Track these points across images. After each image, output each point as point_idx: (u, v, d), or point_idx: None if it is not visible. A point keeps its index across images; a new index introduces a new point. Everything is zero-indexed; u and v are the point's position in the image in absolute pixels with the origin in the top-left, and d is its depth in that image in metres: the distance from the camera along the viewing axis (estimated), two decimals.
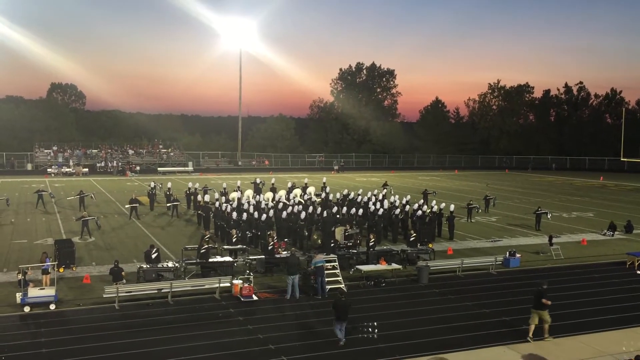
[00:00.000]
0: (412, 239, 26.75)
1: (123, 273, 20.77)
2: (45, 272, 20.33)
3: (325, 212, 30.31)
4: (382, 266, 23.18)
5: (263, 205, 31.40)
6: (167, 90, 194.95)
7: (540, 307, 16.56)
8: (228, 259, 23.36)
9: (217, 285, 20.24)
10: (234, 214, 28.56)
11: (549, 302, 16.55)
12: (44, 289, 19.20)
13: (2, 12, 70.27)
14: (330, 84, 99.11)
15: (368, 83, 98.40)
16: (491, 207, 40.95)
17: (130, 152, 74.09)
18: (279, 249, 24.13)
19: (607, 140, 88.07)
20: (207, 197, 34.51)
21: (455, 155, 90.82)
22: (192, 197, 38.43)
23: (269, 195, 36.06)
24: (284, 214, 29.24)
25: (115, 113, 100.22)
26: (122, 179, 60.79)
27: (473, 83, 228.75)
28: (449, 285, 22.29)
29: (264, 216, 28.46)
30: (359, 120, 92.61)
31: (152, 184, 40.91)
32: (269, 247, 23.83)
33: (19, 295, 18.46)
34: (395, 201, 34.30)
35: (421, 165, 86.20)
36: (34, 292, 18.56)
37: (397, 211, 31.47)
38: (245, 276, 20.88)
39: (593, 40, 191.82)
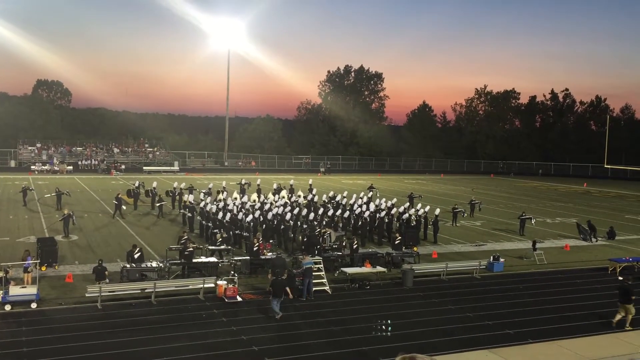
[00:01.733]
0: (397, 242, 26.83)
1: (106, 272, 20.61)
2: (27, 270, 20.12)
3: (311, 214, 30.32)
4: (367, 269, 23.20)
5: (248, 206, 31.32)
6: (155, 89, 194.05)
7: (627, 301, 18.00)
8: (213, 259, 23.26)
9: (201, 285, 20.15)
10: (220, 214, 28.46)
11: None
12: (25, 287, 18.99)
13: None
14: (318, 85, 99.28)
15: (356, 86, 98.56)
16: (476, 211, 41.17)
17: (116, 150, 73.58)
18: (264, 250, 24.08)
19: (592, 147, 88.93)
20: (191, 197, 34.32)
21: (441, 159, 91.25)
22: (177, 196, 38.20)
23: (254, 196, 35.91)
24: (270, 215, 29.17)
25: (101, 111, 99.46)
26: (107, 177, 60.35)
27: (460, 88, 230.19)
28: (433, 288, 22.38)
29: (250, 217, 28.39)
30: (347, 122, 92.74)
31: (137, 183, 40.66)
32: (254, 249, 23.75)
33: (0, 294, 18.25)
34: (380, 204, 34.37)
35: (407, 168, 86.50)
36: (15, 291, 18.36)
37: (383, 214, 31.53)
38: (230, 277, 20.81)
39: (579, 47, 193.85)
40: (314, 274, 21.26)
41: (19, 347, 15.21)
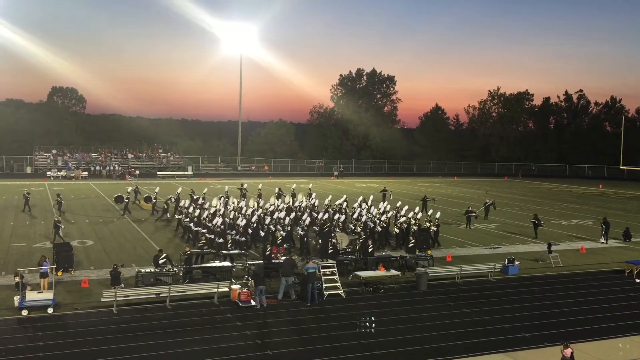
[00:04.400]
0: (410, 245, 26.74)
1: (121, 276, 20.76)
2: (43, 275, 20.30)
3: (308, 218, 30.15)
4: (380, 272, 23.16)
5: (244, 211, 31.05)
6: (168, 94, 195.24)
7: None
8: (226, 264, 23.33)
9: (216, 290, 20.21)
10: (215, 220, 28.26)
11: None
12: (42, 292, 19.15)
13: (4, 15, 70.50)
14: (331, 89, 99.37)
15: (368, 89, 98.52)
16: (491, 211, 40.92)
17: (130, 156, 74.12)
18: (278, 255, 24.11)
19: (607, 148, 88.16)
20: (186, 203, 33.94)
21: (454, 161, 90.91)
22: (176, 203, 37.82)
23: (253, 202, 35.14)
24: (267, 219, 28.99)
25: (115, 117, 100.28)
26: (122, 182, 60.79)
27: (473, 90, 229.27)
28: (447, 292, 22.27)
29: (243, 221, 28.03)
30: (359, 126, 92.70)
31: (129, 188, 41.16)
32: (267, 253, 23.79)
33: (16, 299, 18.43)
34: (380, 209, 33.88)
35: (420, 171, 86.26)
36: (31, 296, 18.52)
37: (383, 217, 31.23)
38: (244, 281, 20.86)
39: (594, 48, 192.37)
40: (327, 277, 21.27)
41: (35, 352, 15.34)
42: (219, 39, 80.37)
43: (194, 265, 22.95)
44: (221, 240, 26.15)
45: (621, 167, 68.85)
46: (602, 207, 50.06)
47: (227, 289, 20.33)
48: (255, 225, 28.65)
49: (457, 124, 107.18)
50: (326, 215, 31.25)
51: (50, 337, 16.52)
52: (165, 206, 36.16)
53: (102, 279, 21.97)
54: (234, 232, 27.38)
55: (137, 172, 67.69)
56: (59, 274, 22.26)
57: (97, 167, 68.04)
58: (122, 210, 38.10)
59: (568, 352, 13.01)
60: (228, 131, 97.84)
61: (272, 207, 32.60)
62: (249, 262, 23.56)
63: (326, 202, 36.60)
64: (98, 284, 21.32)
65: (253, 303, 19.63)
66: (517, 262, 25.68)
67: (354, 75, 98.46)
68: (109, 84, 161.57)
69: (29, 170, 66.72)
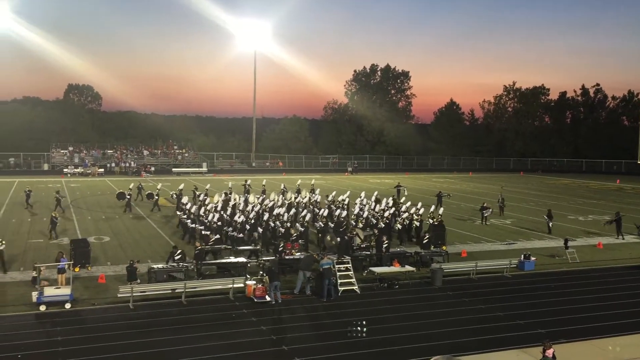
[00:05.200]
0: (425, 241, 26.65)
1: (137, 272, 20.95)
2: (61, 271, 20.51)
3: (308, 215, 30.02)
4: (395, 268, 23.12)
5: (242, 207, 30.94)
6: (182, 91, 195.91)
7: None
8: (242, 259, 23.40)
9: (231, 285, 20.31)
10: (210, 216, 28.25)
11: None
12: (59, 288, 19.37)
13: (20, 14, 71.18)
14: (345, 85, 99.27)
15: (382, 84, 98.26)
16: (507, 206, 40.62)
17: (145, 152, 74.56)
18: (292, 251, 24.16)
19: (624, 143, 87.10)
20: (185, 199, 33.89)
21: (469, 157, 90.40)
22: (178, 200, 37.92)
23: (253, 198, 34.64)
24: (266, 215, 28.90)
25: (130, 114, 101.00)
26: (138, 179, 61.18)
27: (488, 85, 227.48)
28: (462, 288, 22.18)
29: (241, 218, 27.88)
30: (373, 121, 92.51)
31: (131, 185, 41.21)
32: (280, 249, 23.83)
33: (34, 294, 18.65)
34: (383, 206, 33.34)
35: (435, 167, 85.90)
36: (49, 291, 18.74)
37: (386, 213, 31.05)
38: (259, 277, 20.93)
39: (611, 42, 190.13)
40: (342, 273, 21.28)
41: (54, 347, 15.53)
42: (233, 35, 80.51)
43: (209, 261, 23.07)
44: (240, 235, 26.33)
45: (639, 162, 67.96)
46: (620, 202, 49.52)
47: (242, 285, 20.42)
48: (253, 221, 28.45)
49: (472, 119, 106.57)
50: (326, 212, 31.10)
51: (68, 332, 16.71)
52: (156, 197, 36.81)
53: (118, 275, 22.16)
54: (230, 228, 27.38)
55: (153, 168, 68.10)
56: (76, 269, 22.49)
57: (112, 164, 68.52)
58: (123, 207, 38.00)
59: (550, 352, 12.88)
60: (242, 127, 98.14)
61: (272, 204, 32.37)
62: (264, 258, 23.66)
63: (330, 198, 36.26)
64: (114, 280, 21.51)
65: (268, 299, 19.69)
66: (533, 258, 25.50)
67: (368, 70, 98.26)
68: (124, 81, 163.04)
69: (46, 167, 67.37)
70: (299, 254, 24.25)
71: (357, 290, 21.15)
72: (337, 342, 16.38)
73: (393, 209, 32.32)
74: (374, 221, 29.92)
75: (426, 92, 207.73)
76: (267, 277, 20.25)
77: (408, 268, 23.36)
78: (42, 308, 18.34)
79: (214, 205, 31.29)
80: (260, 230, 27.83)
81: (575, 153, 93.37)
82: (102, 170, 65.76)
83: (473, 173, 79.76)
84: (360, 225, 29.11)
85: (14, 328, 17.27)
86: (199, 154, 77.60)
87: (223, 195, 35.75)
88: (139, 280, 20.67)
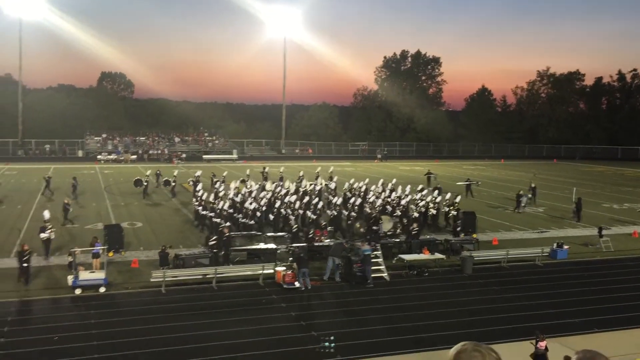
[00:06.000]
0: (458, 229, 26.48)
1: (170, 257, 21.29)
2: (95, 256, 20.95)
3: (320, 202, 29.78)
4: (425, 255, 23.02)
5: (255, 194, 30.76)
6: (213, 78, 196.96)
7: None
8: (271, 246, 23.56)
9: (261, 271, 20.48)
10: (220, 204, 28.16)
11: None
12: (94, 272, 19.81)
13: (55, 3, 72.20)
14: (375, 72, 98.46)
15: (413, 71, 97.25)
16: (540, 194, 39.99)
17: (177, 139, 75.36)
18: (321, 237, 24.24)
19: None
20: (199, 186, 33.58)
21: (501, 144, 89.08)
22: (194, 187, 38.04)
23: (270, 185, 34.36)
24: (278, 203, 28.78)
25: (162, 101, 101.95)
26: (169, 166, 61.95)
27: (521, 71, 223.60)
28: (493, 276, 21.99)
29: (253, 205, 27.77)
30: (403, 108, 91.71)
31: (148, 172, 41.16)
32: (310, 235, 23.93)
33: (70, 278, 19.10)
34: (400, 194, 32.67)
35: (466, 154, 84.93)
36: (84, 275, 19.18)
37: (403, 201, 30.57)
38: (288, 263, 21.06)
39: None
40: (372, 260, 21.28)
41: (88, 329, 15.91)
42: (264, 22, 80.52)
43: (240, 247, 23.29)
44: (252, 222, 26.22)
45: None
46: None
47: (271, 271, 20.58)
48: (265, 208, 28.47)
49: (504, 105, 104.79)
50: (340, 200, 31.00)
51: (102, 315, 17.10)
52: (173, 184, 37.67)
53: (151, 260, 22.54)
54: (240, 215, 27.42)
55: (184, 155, 68.80)
56: (110, 254, 22.93)
57: (139, 151, 69.39)
58: (141, 194, 38.08)
59: (543, 344, 12.68)
60: (272, 114, 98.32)
61: (285, 191, 32.18)
62: (293, 245, 23.78)
63: (346, 185, 35.77)
64: (147, 265, 21.88)
65: (297, 285, 19.82)
66: (566, 247, 25.11)
67: (398, 57, 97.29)
68: (155, 69, 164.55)
69: (80, 154, 68.61)
70: (328, 240, 24.32)
71: (387, 278, 21.13)
72: (366, 329, 16.43)
73: (409, 196, 32.03)
74: (390, 209, 29.69)
75: (457, 78, 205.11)
76: (295, 263, 20.37)
77: (438, 255, 23.24)
78: (78, 291, 18.78)
79: (225, 193, 31.22)
80: (271, 217, 27.96)
81: (610, 140, 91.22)
82: (135, 157, 66.69)
83: (505, 160, 78.64)
84: (375, 212, 28.79)
85: (51, 311, 17.77)
86: (229, 141, 78.09)
87: (239, 182, 35.79)
88: (171, 266, 21.00)
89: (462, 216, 28.64)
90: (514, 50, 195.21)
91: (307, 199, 30.21)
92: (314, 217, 27.55)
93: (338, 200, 30.75)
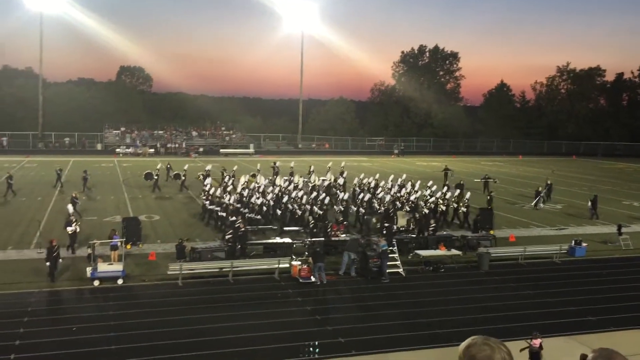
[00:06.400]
0: (478, 224, 26.38)
1: (187, 250, 21.44)
2: (113, 248, 21.17)
3: (327, 198, 29.75)
4: (441, 251, 22.94)
5: (262, 189, 30.60)
6: (230, 73, 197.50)
7: None
8: (287, 240, 23.62)
9: (277, 265, 20.56)
10: (226, 198, 28.22)
11: None
12: (112, 264, 20.03)
13: None
14: (392, 66, 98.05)
15: (431, 66, 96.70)
16: (557, 191, 39.59)
17: (194, 133, 75.77)
18: (337, 232, 24.25)
19: None
20: (208, 180, 33.70)
21: (519, 140, 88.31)
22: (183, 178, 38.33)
23: (279, 180, 34.47)
24: (285, 198, 28.78)
25: (180, 95, 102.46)
26: (186, 159, 62.31)
27: (540, 66, 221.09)
28: (510, 272, 21.85)
29: (260, 200, 27.79)
30: (421, 103, 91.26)
31: (159, 165, 41.28)
32: (327, 230, 23.96)
33: (89, 270, 19.33)
34: (409, 189, 32.47)
35: (484, 150, 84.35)
36: (103, 267, 19.40)
37: (412, 197, 30.42)
38: (304, 258, 21.11)
39: None
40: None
41: (106, 321, 16.10)
42: (281, 16, 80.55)
43: (256, 241, 23.39)
44: (258, 216, 26.18)
45: None
46: None
47: (287, 265, 20.64)
48: (272, 203, 28.47)
49: (523, 101, 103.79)
50: (346, 195, 30.89)
51: (119, 306, 17.29)
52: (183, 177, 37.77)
53: (168, 253, 22.71)
54: (246, 210, 27.41)
55: (201, 149, 69.15)
56: (128, 247, 23.15)
57: (158, 145, 69.84)
58: (152, 187, 38.26)
59: (537, 342, 12.58)
60: (289, 109, 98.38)
61: (292, 186, 32.12)
62: (309, 239, 23.83)
63: (355, 181, 35.60)
64: (164, 257, 22.05)
65: (313, 279, 19.87)
66: (584, 244, 24.86)
67: (416, 51, 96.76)
68: (173, 63, 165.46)
69: (99, 147, 69.30)
70: (344, 235, 24.34)
71: (402, 273, 21.10)
72: (382, 324, 16.42)
73: (419, 192, 31.82)
74: (399, 204, 29.54)
75: (475, 73, 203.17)
76: (310, 258, 20.41)
77: (454, 252, 23.15)
78: (96, 283, 19.00)
79: (232, 187, 31.24)
80: (279, 212, 28.01)
81: (631, 137, 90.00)
82: (153, 150, 67.17)
83: (523, 156, 77.99)
84: (382, 208, 28.68)
85: (69, 302, 18.02)
86: (246, 135, 78.34)
87: (249, 176, 35.84)
88: (187, 259, 21.16)
89: (478, 213, 28.48)
90: (533, 46, 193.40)
91: (314, 194, 30.21)
92: (320, 212, 27.45)
93: (345, 195, 30.72)
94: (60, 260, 19.61)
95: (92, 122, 76.43)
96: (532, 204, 35.84)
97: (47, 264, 19.14)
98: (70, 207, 25.58)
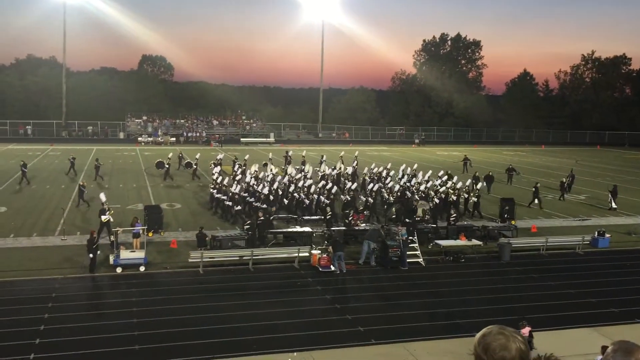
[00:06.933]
0: (506, 215, 26.23)
1: (207, 239, 21.60)
2: (136, 235, 21.41)
3: (334, 187, 29.57)
4: (461, 242, 22.82)
5: (269, 179, 30.77)
6: (251, 62, 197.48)
7: None
8: (307, 229, 23.67)
9: (296, 254, 20.63)
10: (234, 187, 28.30)
11: None
12: (134, 251, 20.26)
13: None
14: (413, 55, 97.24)
15: (452, 54, 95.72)
16: (580, 181, 39.02)
17: (215, 122, 76.08)
18: (358, 222, 24.25)
19: None
20: (217, 169, 33.59)
21: (542, 129, 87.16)
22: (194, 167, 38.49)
23: (291, 169, 34.35)
24: (292, 187, 28.68)
25: (201, 85, 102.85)
26: (207, 148, 62.69)
27: (565, 54, 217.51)
28: (531, 263, 21.67)
29: (266, 189, 27.72)
30: (442, 92, 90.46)
31: (170, 154, 41.32)
32: (349, 219, 23.97)
33: (112, 257, 19.59)
34: (421, 180, 32.25)
35: (506, 139, 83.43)
36: (125, 255, 19.65)
37: (422, 187, 30.14)
38: (324, 247, 21.15)
39: None
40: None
41: (129, 307, 16.32)
42: (301, 5, 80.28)
43: (276, 230, 23.48)
44: (264, 205, 26.12)
45: None
46: None
47: (307, 254, 20.71)
48: (280, 192, 28.47)
49: (547, 90, 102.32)
50: (354, 185, 30.72)
51: (141, 293, 17.51)
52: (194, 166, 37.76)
53: (189, 240, 22.91)
54: (252, 199, 27.42)
55: (222, 138, 69.43)
56: (150, 234, 23.38)
57: (180, 133, 70.25)
58: (163, 176, 38.44)
59: (526, 331, 12.43)
60: (309, 98, 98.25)
61: (300, 175, 31.97)
62: (329, 228, 23.86)
63: (365, 170, 35.46)
64: (185, 245, 22.26)
65: (332, 268, 19.91)
66: (607, 235, 24.53)
67: (438, 40, 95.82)
68: (195, 52, 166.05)
69: (121, 136, 69.94)
70: (365, 225, 24.32)
71: (422, 263, 21.05)
72: (401, 314, 16.42)
73: (430, 182, 31.63)
74: (409, 194, 29.36)
75: (498, 62, 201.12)
76: (330, 247, 20.45)
77: (475, 242, 23.01)
78: (119, 270, 19.25)
79: (240, 176, 31.27)
80: (285, 201, 28.03)
81: None
82: (174, 139, 67.63)
83: (546, 146, 77.04)
84: (392, 198, 28.53)
85: (92, 288, 18.29)
86: (267, 124, 78.45)
87: (262, 165, 35.78)
88: (208, 247, 21.33)
89: (502, 203, 28.25)
90: (558, 34, 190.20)
91: (322, 183, 30.11)
92: (327, 202, 27.28)
93: (353, 185, 30.64)
94: (96, 252, 19.59)
95: (115, 111, 77.10)
96: (560, 196, 35.23)
97: (90, 255, 19.17)
98: (102, 196, 25.73)
